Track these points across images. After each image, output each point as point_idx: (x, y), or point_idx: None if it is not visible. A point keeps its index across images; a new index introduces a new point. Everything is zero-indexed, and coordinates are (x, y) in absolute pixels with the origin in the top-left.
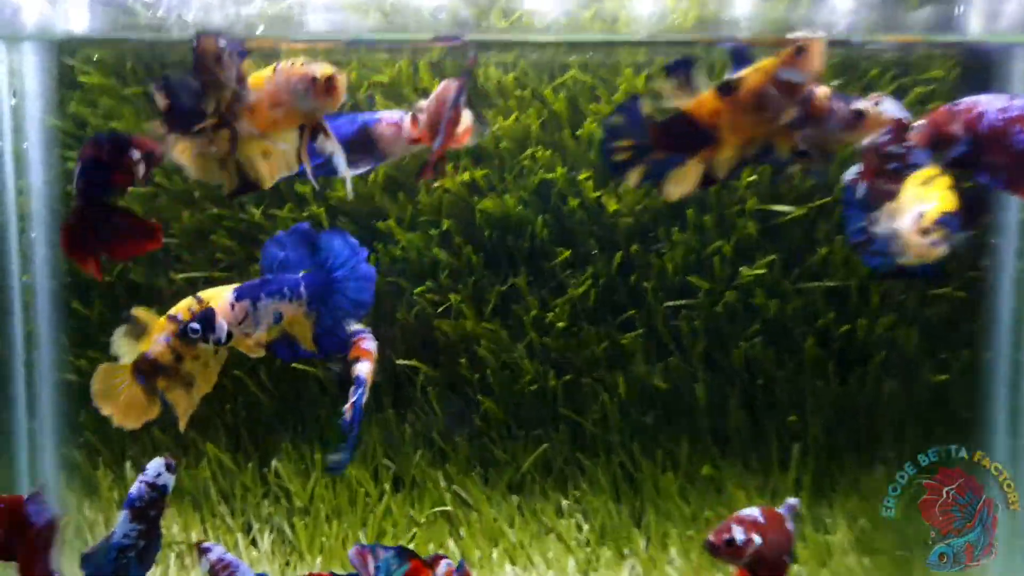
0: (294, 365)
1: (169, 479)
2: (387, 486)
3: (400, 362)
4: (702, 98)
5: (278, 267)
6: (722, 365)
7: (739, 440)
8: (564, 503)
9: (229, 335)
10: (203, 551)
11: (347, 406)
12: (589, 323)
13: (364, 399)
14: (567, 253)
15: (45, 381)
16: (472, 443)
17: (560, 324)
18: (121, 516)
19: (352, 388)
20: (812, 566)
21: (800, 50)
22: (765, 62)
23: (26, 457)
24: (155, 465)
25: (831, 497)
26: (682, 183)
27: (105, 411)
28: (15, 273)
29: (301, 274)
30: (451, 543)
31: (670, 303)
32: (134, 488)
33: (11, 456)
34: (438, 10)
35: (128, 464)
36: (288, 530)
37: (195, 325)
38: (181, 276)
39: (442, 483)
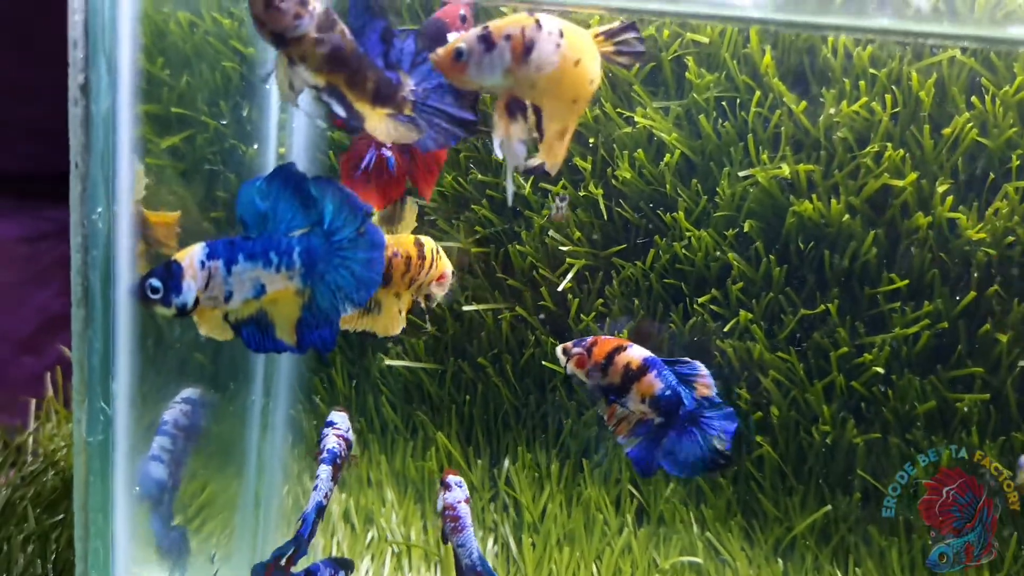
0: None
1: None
2: (629, 518)
3: None
4: None
5: (259, 222)
6: None
7: None
8: None
9: (196, 302)
10: (445, 486)
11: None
12: (914, 373)
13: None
14: (903, 283)
15: None
16: (737, 487)
17: (876, 369)
18: (324, 473)
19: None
20: None
21: None
22: None
23: (259, 415)
24: (341, 417)
25: None
26: None
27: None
28: None
29: (296, 235)
30: None
31: None
32: (332, 441)
33: (246, 410)
34: None
35: (354, 437)
36: (514, 546)
37: (154, 282)
38: None
39: (694, 527)
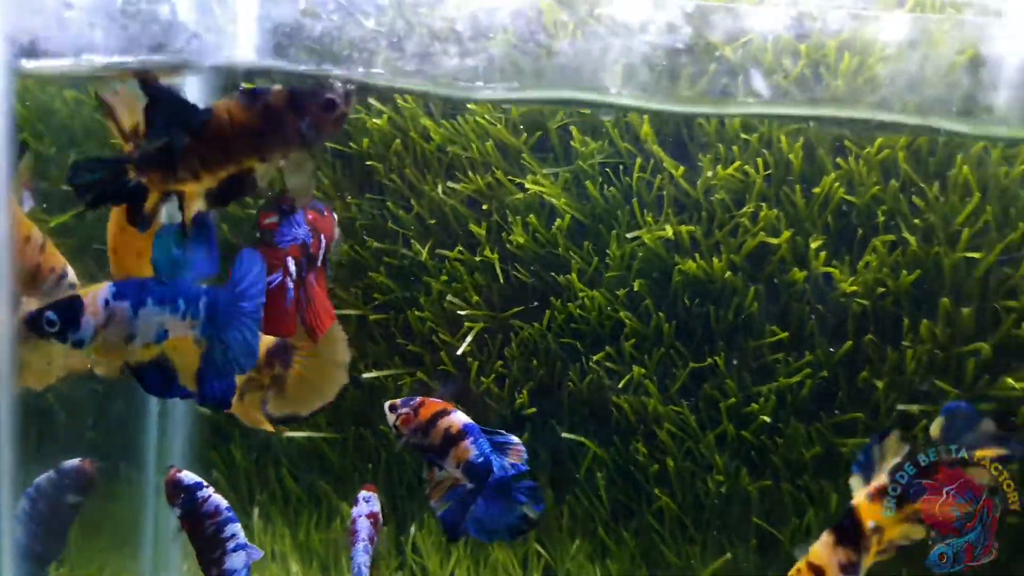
0: None
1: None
2: None
3: (565, 435)
4: None
5: (171, 268)
6: None
7: None
8: None
9: (93, 338)
10: (355, 500)
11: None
12: (799, 420)
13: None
14: (783, 335)
15: (179, 412)
16: (639, 539)
17: (764, 418)
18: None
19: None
20: None
21: None
22: None
23: (154, 494)
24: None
25: None
26: None
27: None
28: None
29: (203, 285)
30: None
31: (905, 407)
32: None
33: (140, 489)
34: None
35: (256, 510)
36: None
37: (51, 315)
38: None
39: None
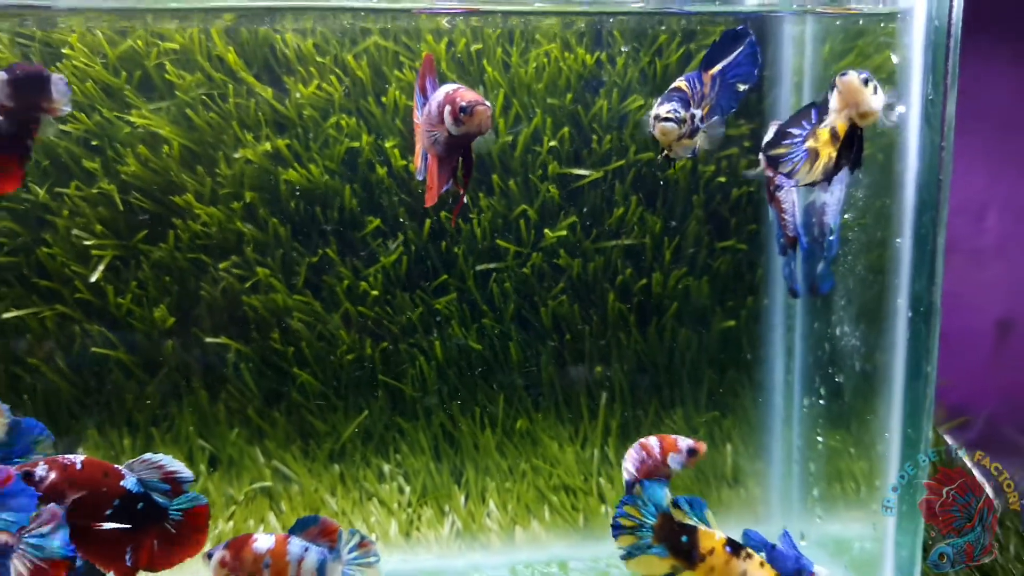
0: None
1: None
2: (203, 467)
3: (209, 340)
4: None
5: None
6: (533, 323)
7: (551, 393)
8: (386, 468)
9: None
10: None
11: None
12: (403, 290)
13: None
14: (377, 222)
15: None
16: (291, 417)
17: (374, 292)
18: None
19: None
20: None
21: None
22: None
23: None
24: None
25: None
26: None
27: None
28: None
29: None
30: (272, 517)
31: (481, 267)
32: None
33: None
34: None
35: None
36: None
37: None
38: None
39: (261, 459)
